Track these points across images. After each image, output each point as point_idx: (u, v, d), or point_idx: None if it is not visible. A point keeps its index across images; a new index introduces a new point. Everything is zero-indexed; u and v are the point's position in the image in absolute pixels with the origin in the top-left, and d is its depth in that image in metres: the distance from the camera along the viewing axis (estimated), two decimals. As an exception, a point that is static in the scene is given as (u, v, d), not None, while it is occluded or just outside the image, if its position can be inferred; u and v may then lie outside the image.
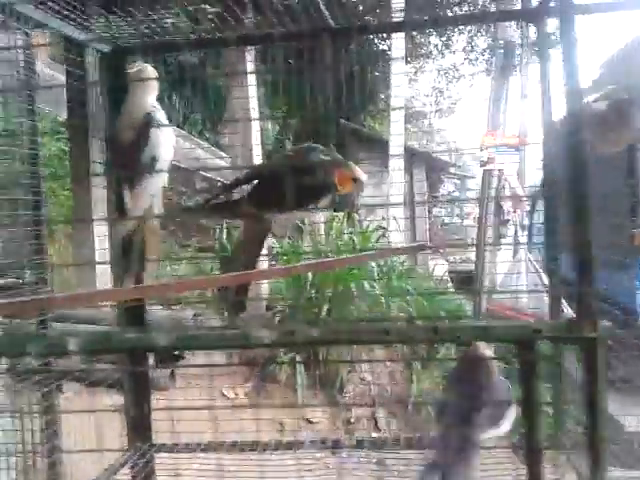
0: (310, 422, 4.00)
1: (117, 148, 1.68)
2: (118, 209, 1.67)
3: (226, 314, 1.92)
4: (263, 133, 6.28)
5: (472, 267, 6.20)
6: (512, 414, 1.69)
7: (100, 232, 3.21)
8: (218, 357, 3.80)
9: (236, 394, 4.19)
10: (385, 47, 11.62)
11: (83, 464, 2.03)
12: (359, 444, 2.19)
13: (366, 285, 4.62)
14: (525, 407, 1.09)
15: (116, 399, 2.80)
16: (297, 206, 1.58)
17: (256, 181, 1.74)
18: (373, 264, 4.86)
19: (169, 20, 1.79)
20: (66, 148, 5.07)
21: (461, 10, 11.63)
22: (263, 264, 2.34)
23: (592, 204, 0.86)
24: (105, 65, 1.83)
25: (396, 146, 7.31)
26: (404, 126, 7.91)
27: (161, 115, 1.69)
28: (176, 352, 3.81)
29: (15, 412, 1.90)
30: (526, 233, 6.22)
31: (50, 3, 1.57)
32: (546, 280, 3.55)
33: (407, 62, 12.06)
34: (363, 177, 1.68)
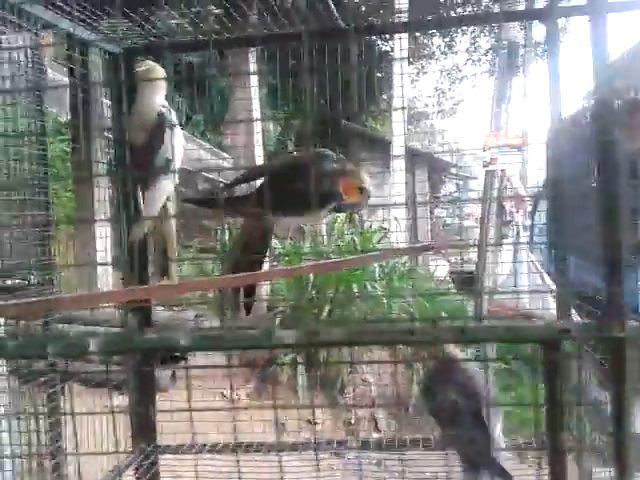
0: (311, 423, 3.99)
1: (129, 149, 1.66)
2: (134, 211, 1.65)
3: (229, 315, 1.91)
4: (265, 134, 6.27)
5: (473, 268, 6.18)
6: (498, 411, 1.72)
7: (102, 233, 3.19)
8: (218, 358, 3.78)
9: (237, 395, 4.18)
10: (388, 48, 11.60)
11: (87, 467, 2.03)
12: (364, 445, 2.19)
13: (367, 286, 4.61)
14: (549, 407, 1.09)
15: (118, 401, 2.78)
16: (300, 211, 1.58)
17: (263, 180, 1.72)
18: (375, 265, 4.84)
19: (174, 21, 1.78)
20: (68, 149, 5.05)
21: (465, 11, 11.60)
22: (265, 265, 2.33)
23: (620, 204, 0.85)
24: (113, 65, 1.82)
25: (398, 147, 7.32)
26: (406, 127, 7.91)
27: (172, 115, 1.67)
28: (177, 353, 3.79)
29: (20, 414, 1.89)
30: (527, 233, 6.19)
31: (60, 3, 1.56)
32: (548, 280, 3.55)
33: (410, 63, 12.06)
34: (370, 187, 1.66)
